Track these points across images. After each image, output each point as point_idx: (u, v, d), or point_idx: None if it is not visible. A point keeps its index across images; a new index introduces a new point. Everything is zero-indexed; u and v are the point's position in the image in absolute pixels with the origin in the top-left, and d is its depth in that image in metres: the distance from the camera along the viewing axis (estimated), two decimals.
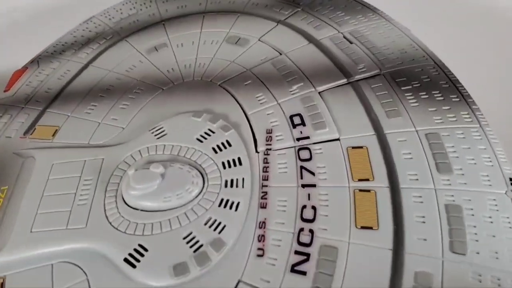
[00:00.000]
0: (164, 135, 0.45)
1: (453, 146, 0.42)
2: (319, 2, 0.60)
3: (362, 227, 0.38)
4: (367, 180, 0.40)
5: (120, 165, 0.43)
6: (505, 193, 0.39)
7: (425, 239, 0.36)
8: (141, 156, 0.43)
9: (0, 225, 0.40)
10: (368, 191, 0.39)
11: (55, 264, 0.39)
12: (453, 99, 0.45)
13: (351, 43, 0.51)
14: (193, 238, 0.38)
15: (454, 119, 0.44)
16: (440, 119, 0.44)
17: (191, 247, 0.37)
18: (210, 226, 0.38)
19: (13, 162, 0.45)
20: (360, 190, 0.40)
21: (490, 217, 0.38)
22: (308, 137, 0.43)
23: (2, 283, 0.37)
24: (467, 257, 0.36)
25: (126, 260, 0.37)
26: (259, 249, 0.37)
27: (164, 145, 0.44)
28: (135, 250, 0.38)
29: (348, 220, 0.38)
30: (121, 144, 0.45)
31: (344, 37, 0.52)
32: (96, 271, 0.38)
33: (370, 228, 0.37)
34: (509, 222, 0.38)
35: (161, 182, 0.40)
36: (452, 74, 0.48)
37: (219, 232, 0.38)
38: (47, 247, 0.39)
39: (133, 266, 0.37)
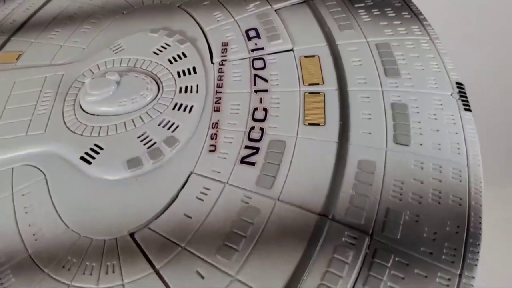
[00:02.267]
0: (122, 50, 0.46)
1: (402, 55, 0.43)
2: None
3: (310, 124, 0.39)
4: (317, 84, 0.41)
5: (79, 78, 0.44)
6: (451, 95, 0.40)
7: (370, 133, 0.38)
8: (99, 70, 0.44)
9: None
10: (318, 93, 0.41)
11: (15, 167, 0.40)
12: (405, 16, 0.47)
13: None
14: (147, 137, 0.39)
15: (405, 31, 0.45)
16: (391, 31, 0.45)
17: (144, 144, 0.39)
18: (163, 126, 0.40)
19: None
20: (310, 93, 0.41)
21: (434, 114, 0.39)
22: (262, 48, 0.44)
23: None
24: (410, 147, 0.37)
25: (82, 158, 0.39)
26: (211, 145, 0.39)
27: (122, 59, 0.45)
28: (91, 149, 0.39)
29: (297, 119, 0.39)
30: (80, 61, 0.46)
31: None
32: (53, 170, 0.39)
33: (317, 124, 0.39)
34: (453, 119, 0.39)
35: (117, 89, 0.41)
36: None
37: (173, 131, 0.39)
38: (8, 152, 0.40)
39: (89, 163, 0.38)
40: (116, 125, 0.40)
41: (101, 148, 0.39)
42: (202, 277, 0.32)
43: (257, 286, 0.31)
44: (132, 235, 0.35)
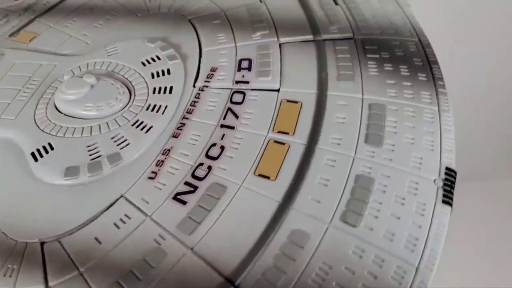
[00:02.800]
0: (115, 53, 0.45)
1: (395, 122, 0.38)
2: None
3: (260, 175, 0.36)
4: (287, 133, 0.38)
5: (66, 73, 0.44)
6: (434, 181, 0.35)
7: (319, 201, 0.34)
8: (87, 68, 0.44)
9: None
10: (283, 144, 0.38)
11: None
12: (420, 78, 0.42)
13: (336, 4, 0.48)
14: (96, 148, 0.38)
15: (411, 96, 0.40)
16: (395, 93, 0.40)
17: (90, 155, 0.38)
18: (115, 141, 0.39)
19: None
20: (275, 141, 0.38)
21: (403, 198, 0.34)
22: (247, 82, 0.42)
23: None
24: (357, 229, 0.33)
25: (32, 153, 0.38)
26: (152, 172, 0.37)
27: (110, 62, 0.44)
28: (43, 147, 0.39)
29: (249, 166, 0.36)
30: (76, 56, 0.46)
31: None
32: (5, 160, 0.39)
33: (268, 177, 0.36)
34: (423, 210, 0.34)
35: (89, 92, 0.41)
36: (433, 55, 0.44)
37: (121, 148, 0.38)
38: None
39: (36, 159, 0.38)
40: (75, 128, 0.40)
41: (52, 149, 0.39)
42: None
43: None
44: (42, 244, 0.34)
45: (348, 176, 0.35)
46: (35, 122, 0.41)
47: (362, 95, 0.40)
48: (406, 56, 0.43)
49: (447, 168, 0.36)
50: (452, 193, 0.35)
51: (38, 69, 0.46)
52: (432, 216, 0.33)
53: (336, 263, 0.31)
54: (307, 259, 0.32)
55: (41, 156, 0.38)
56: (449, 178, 0.36)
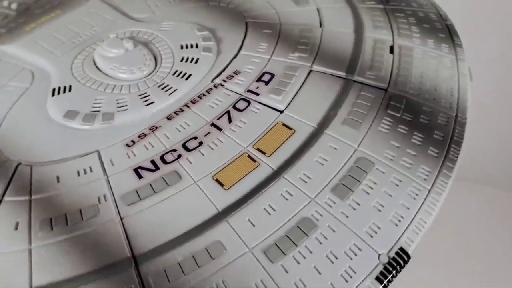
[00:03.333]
0: (166, 30, 0.49)
1: (375, 183, 0.37)
2: (409, 3, 0.54)
3: (217, 180, 0.37)
4: (264, 153, 0.38)
5: (114, 33, 0.49)
6: (379, 256, 0.34)
7: (254, 225, 0.35)
8: (136, 35, 0.49)
9: None
10: (254, 161, 0.38)
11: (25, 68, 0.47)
12: (430, 152, 0.39)
13: (391, 52, 0.47)
14: (100, 103, 0.43)
15: (408, 165, 0.38)
16: (392, 156, 0.38)
17: (92, 107, 0.42)
18: (117, 103, 0.42)
19: None
20: (249, 156, 0.38)
21: (336, 257, 0.33)
22: (258, 94, 0.42)
23: None
24: (272, 266, 0.33)
25: (53, 89, 0.44)
26: (132, 141, 0.40)
27: (156, 36, 0.48)
28: (64, 87, 0.44)
29: (213, 169, 0.38)
30: (136, 21, 0.51)
31: (391, 47, 0.48)
32: (38, 84, 0.45)
33: (222, 185, 0.36)
34: (350, 277, 0.33)
35: (122, 54, 0.45)
36: (461, 136, 0.41)
37: (118, 111, 0.41)
38: (35, 58, 0.48)
39: (53, 95, 0.43)
40: (95, 80, 0.44)
41: (69, 91, 0.43)
42: None
43: None
44: (18, 165, 0.39)
45: (295, 214, 0.35)
46: (71, 64, 0.46)
47: (358, 146, 0.39)
48: (429, 125, 0.41)
49: (401, 249, 0.34)
50: (392, 275, 0.33)
51: (102, 22, 0.51)
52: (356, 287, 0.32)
53: (235, 287, 0.31)
54: (212, 271, 0.32)
55: (58, 93, 0.43)
56: (398, 260, 0.33)
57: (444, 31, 0.51)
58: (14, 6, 0.54)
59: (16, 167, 0.39)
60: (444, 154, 0.39)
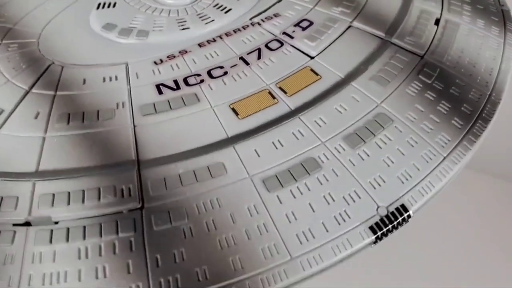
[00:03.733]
0: None
1: (390, 140, 0.36)
2: None
3: (233, 109, 0.37)
4: (285, 92, 0.38)
5: None
6: (377, 207, 0.33)
7: (259, 155, 0.35)
8: None
9: None
10: (274, 98, 0.38)
11: None
12: (454, 122, 0.38)
13: (435, 25, 0.46)
14: (138, 21, 0.44)
15: (428, 130, 0.37)
16: (414, 118, 0.37)
17: (130, 23, 0.44)
18: (154, 23, 0.44)
19: None
20: (269, 93, 0.39)
21: (333, 200, 0.33)
22: (293, 38, 0.42)
23: None
24: (269, 195, 0.33)
25: (99, 3, 0.45)
26: (160, 59, 0.41)
27: None
28: (109, 3, 0.46)
29: (231, 98, 0.38)
30: None
31: (437, 19, 0.46)
32: None
33: (237, 114, 0.37)
34: (344, 221, 0.32)
35: None
36: (491, 114, 0.39)
37: (153, 30, 0.43)
38: None
39: (98, 8, 0.45)
40: (139, 0, 0.45)
41: (114, 6, 0.45)
42: None
43: None
44: (52, 63, 0.41)
45: (302, 153, 0.35)
46: None
47: (381, 102, 0.38)
48: (459, 97, 0.39)
49: (402, 206, 0.33)
50: (388, 230, 0.33)
51: None
52: (345, 232, 0.32)
53: (227, 206, 0.32)
54: (208, 188, 0.32)
55: (103, 7, 0.44)
56: (396, 216, 0.33)
57: (498, 15, 0.48)
58: None
59: (49, 65, 0.40)
60: (469, 127, 0.38)
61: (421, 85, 0.39)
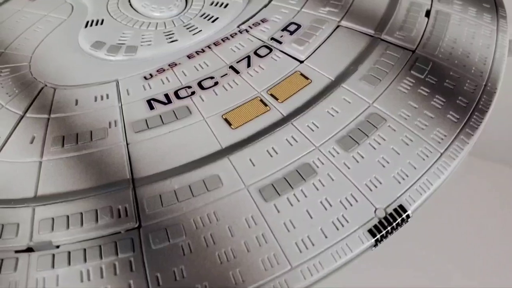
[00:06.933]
0: None
1: (384, 140, 0.36)
2: None
3: (225, 119, 0.37)
4: (276, 99, 0.38)
5: None
6: (375, 210, 0.33)
7: (254, 164, 0.35)
8: None
9: None
10: (266, 105, 0.38)
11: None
12: (449, 116, 0.38)
13: (426, 17, 0.45)
14: (126, 36, 0.44)
15: (422, 127, 0.37)
16: (408, 116, 0.37)
17: (118, 40, 0.43)
18: (142, 38, 0.43)
19: None
20: (261, 100, 0.38)
21: (331, 205, 0.33)
22: (280, 43, 0.42)
23: None
24: (265, 204, 0.33)
25: (87, 21, 0.45)
26: (150, 74, 0.41)
27: None
28: (97, 20, 0.46)
29: (223, 108, 0.38)
30: None
31: (428, 10, 0.46)
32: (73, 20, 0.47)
33: (230, 124, 0.37)
34: (342, 226, 0.32)
35: None
36: (487, 105, 0.39)
37: (141, 45, 0.42)
38: None
39: (86, 26, 0.45)
40: (127, 16, 0.45)
41: (101, 24, 0.45)
42: None
43: None
44: (44, 86, 0.41)
45: (297, 159, 0.35)
46: (108, 0, 0.47)
47: (373, 102, 0.38)
48: (453, 90, 0.39)
49: (400, 207, 0.33)
50: (387, 231, 0.32)
51: None
52: (344, 237, 0.31)
53: (225, 219, 0.32)
54: (205, 202, 0.33)
55: (91, 25, 0.44)
56: (395, 217, 0.33)
57: (489, 1, 0.48)
58: None
59: (42, 88, 0.40)
60: (465, 120, 0.37)
61: (413, 81, 0.39)
